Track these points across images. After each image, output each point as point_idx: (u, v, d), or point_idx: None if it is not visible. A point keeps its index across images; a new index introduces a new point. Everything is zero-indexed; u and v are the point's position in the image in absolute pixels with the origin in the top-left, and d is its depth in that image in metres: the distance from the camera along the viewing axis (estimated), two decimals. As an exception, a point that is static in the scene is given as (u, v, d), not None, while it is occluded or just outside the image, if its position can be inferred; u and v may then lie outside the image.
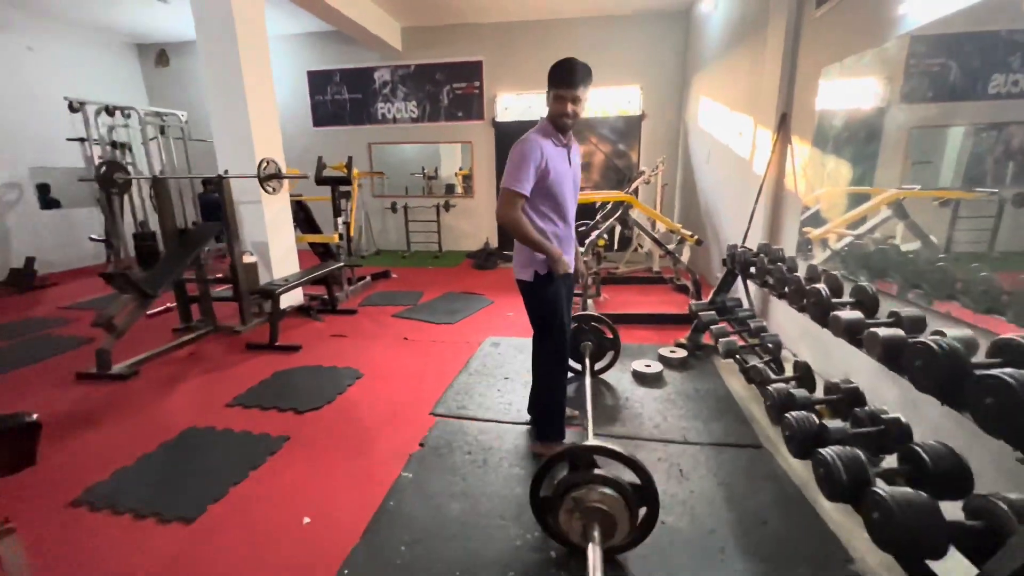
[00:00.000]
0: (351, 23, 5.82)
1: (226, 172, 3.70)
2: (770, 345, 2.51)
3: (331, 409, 2.69)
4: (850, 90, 2.67)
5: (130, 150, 6.21)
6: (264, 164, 3.65)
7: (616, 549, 1.60)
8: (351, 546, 1.69)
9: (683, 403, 2.68)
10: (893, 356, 1.49)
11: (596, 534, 1.45)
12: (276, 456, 2.25)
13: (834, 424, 1.57)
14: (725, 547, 1.66)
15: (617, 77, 6.73)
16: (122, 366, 3.17)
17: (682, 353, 3.25)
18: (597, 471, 1.53)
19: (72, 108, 5.38)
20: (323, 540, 1.73)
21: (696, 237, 4.08)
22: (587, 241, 4.13)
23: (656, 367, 3.04)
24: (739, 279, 3.09)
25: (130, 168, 6.03)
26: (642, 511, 1.56)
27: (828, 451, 1.44)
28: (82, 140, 5.73)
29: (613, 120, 7.01)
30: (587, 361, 2.84)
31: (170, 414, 2.63)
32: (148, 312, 4.45)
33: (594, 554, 1.37)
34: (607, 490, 1.49)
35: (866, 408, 1.66)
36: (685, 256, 4.23)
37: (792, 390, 1.83)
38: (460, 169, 7.61)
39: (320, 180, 4.86)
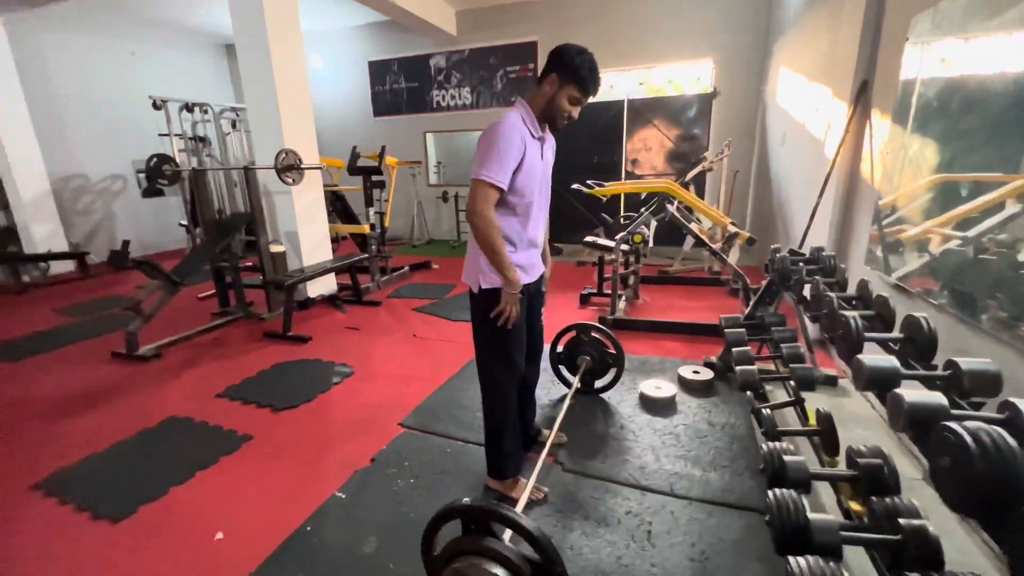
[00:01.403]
0: (405, 12, 5.76)
1: (252, 163, 3.77)
2: (801, 380, 1.96)
3: (306, 409, 2.62)
4: (956, 48, 1.96)
5: (209, 143, 6.74)
6: (282, 155, 3.67)
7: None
8: (245, 574, 1.55)
9: (688, 440, 2.22)
10: (920, 435, 1.00)
11: (470, 623, 1.15)
12: (229, 456, 2.20)
13: (824, 522, 1.10)
14: (666, 655, 1.27)
15: (685, 51, 5.99)
16: (148, 348, 3.38)
17: (707, 375, 2.74)
18: (489, 541, 1.22)
19: (155, 106, 5.92)
20: (223, 562, 1.61)
21: (748, 235, 3.43)
22: (618, 237, 3.66)
23: (669, 390, 2.57)
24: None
25: (208, 160, 6.58)
26: (546, 597, 1.22)
27: (804, 566, 1.00)
28: (167, 135, 6.31)
29: (679, 100, 6.27)
30: (576, 378, 2.47)
31: (163, 400, 2.72)
32: (200, 296, 4.78)
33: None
34: (493, 567, 1.18)
35: (890, 500, 1.15)
36: (734, 257, 3.59)
37: (787, 457, 1.34)
38: None
39: (353, 170, 4.86)
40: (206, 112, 6.53)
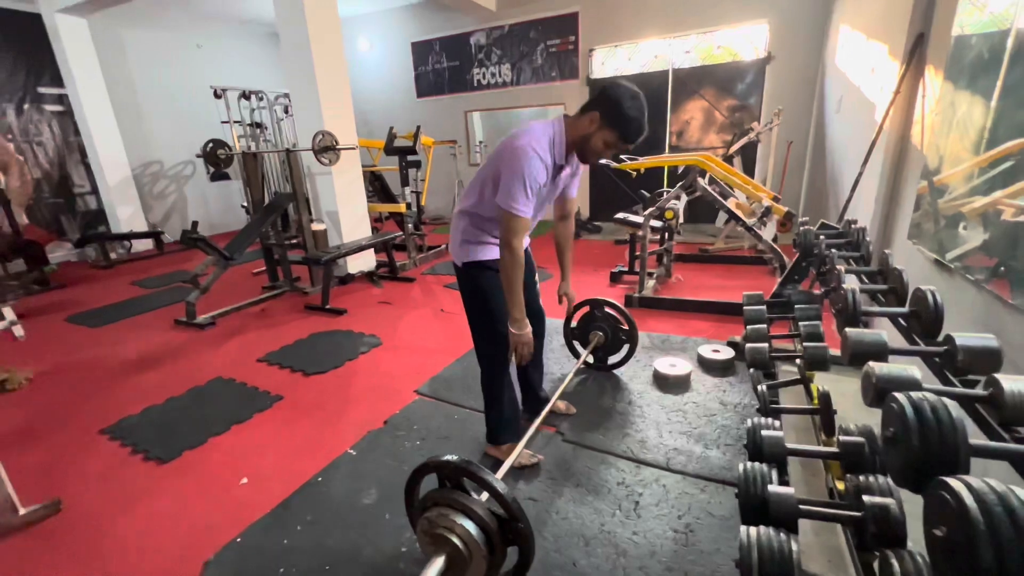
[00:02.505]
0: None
1: (294, 146, 3.99)
2: (812, 359, 1.86)
3: (334, 374, 2.81)
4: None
5: (265, 129, 7.17)
6: (319, 137, 3.86)
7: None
8: (260, 516, 1.73)
9: (695, 418, 2.18)
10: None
11: (437, 568, 1.23)
12: (262, 414, 2.42)
13: (782, 495, 1.06)
14: (632, 616, 1.30)
15: (737, 14, 5.59)
16: (205, 317, 3.73)
17: (727, 354, 2.65)
18: (457, 494, 1.29)
19: (216, 95, 6.35)
20: (244, 503, 1.80)
21: (785, 209, 3.22)
22: (646, 212, 3.56)
23: (684, 368, 2.52)
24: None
25: (265, 145, 7.00)
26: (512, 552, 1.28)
27: (753, 535, 0.99)
28: (227, 122, 6.77)
29: (728, 67, 5.89)
30: (587, 352, 2.47)
31: (211, 363, 3.02)
32: (254, 272, 5.18)
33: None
34: (460, 519, 1.25)
35: (863, 478, 1.10)
36: (769, 233, 3.39)
37: (765, 432, 1.30)
38: None
39: (390, 150, 5.01)
40: (261, 99, 6.92)
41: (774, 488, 1.09)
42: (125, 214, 6.47)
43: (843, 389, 1.97)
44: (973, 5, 1.93)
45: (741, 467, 1.21)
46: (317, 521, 1.69)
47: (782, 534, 0.98)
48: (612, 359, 2.65)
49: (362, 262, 4.83)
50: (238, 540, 1.63)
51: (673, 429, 2.10)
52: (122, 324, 3.85)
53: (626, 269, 4.33)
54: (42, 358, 3.24)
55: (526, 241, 1.84)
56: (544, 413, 1.96)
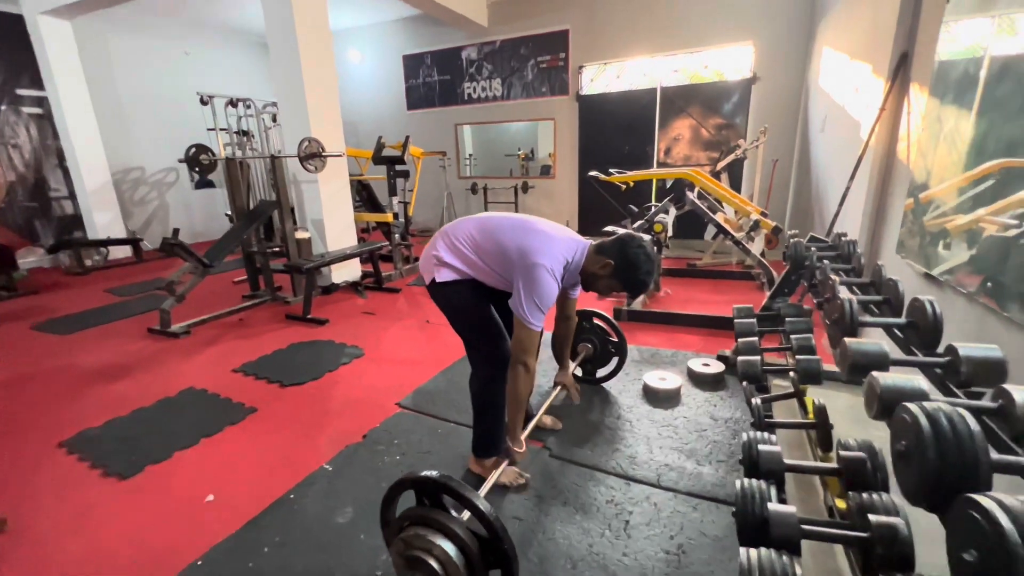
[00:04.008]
0: (437, 5, 5.81)
1: (279, 152, 3.92)
2: (805, 372, 1.82)
3: (312, 386, 2.70)
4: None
5: (252, 137, 7.08)
6: (305, 144, 3.80)
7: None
8: (224, 537, 1.61)
9: (687, 432, 2.11)
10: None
11: (412, 593, 1.13)
12: (235, 427, 2.30)
13: (783, 514, 1.00)
14: (622, 646, 1.21)
15: (723, 35, 5.71)
16: (180, 326, 3.59)
17: (718, 368, 2.60)
18: (436, 512, 1.20)
19: (203, 102, 6.26)
20: (208, 523, 1.68)
21: (773, 224, 3.23)
22: (634, 226, 3.54)
23: (674, 382, 2.47)
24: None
25: (251, 153, 6.90)
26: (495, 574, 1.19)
27: (755, 557, 0.93)
28: (213, 130, 6.67)
29: (715, 87, 5.99)
30: (574, 364, 2.41)
31: (184, 373, 2.88)
32: (235, 280, 5.04)
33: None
34: (438, 539, 1.16)
35: (867, 496, 1.04)
36: (757, 247, 3.39)
37: (762, 447, 1.24)
38: (551, 153, 7.27)
39: (377, 159, 4.96)
40: (249, 107, 6.85)
41: (775, 507, 1.02)
42: (103, 220, 6.29)
43: (836, 404, 1.93)
44: (949, 36, 1.96)
45: (738, 484, 1.14)
46: (286, 542, 1.58)
47: (784, 557, 0.92)
48: (601, 372, 2.58)
49: (347, 272, 4.73)
50: (198, 563, 1.51)
51: (664, 444, 2.04)
52: (91, 332, 3.68)
53: (615, 282, 4.29)
54: (2, 367, 3.07)
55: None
56: (530, 427, 1.89)
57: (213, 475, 1.95)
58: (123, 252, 6.44)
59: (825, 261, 1.79)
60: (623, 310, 3.57)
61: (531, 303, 1.55)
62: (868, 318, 1.35)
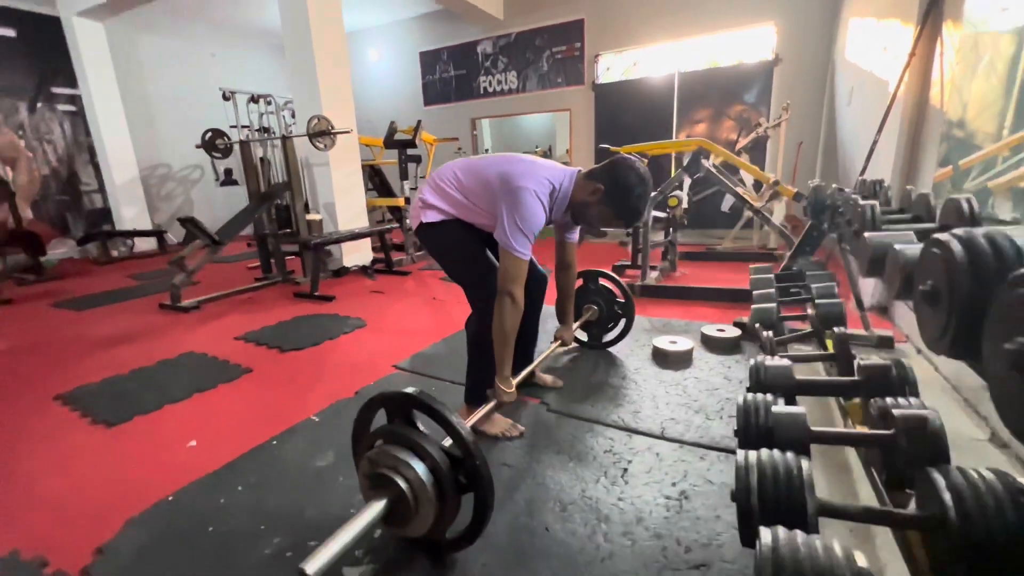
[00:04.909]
0: (454, -1, 5.86)
1: (289, 132, 3.95)
2: (826, 316, 1.65)
3: (311, 351, 2.64)
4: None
5: (272, 133, 7.23)
6: (314, 121, 3.81)
7: (448, 544, 1.14)
8: (199, 477, 1.54)
9: (696, 392, 1.96)
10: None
11: (374, 512, 1.03)
12: (227, 384, 2.25)
13: (791, 413, 0.85)
14: (610, 584, 1.08)
15: (743, 17, 5.55)
16: (190, 302, 3.61)
17: (733, 333, 2.43)
18: (405, 430, 1.10)
19: (225, 97, 6.43)
20: (187, 466, 1.62)
21: (794, 190, 3.04)
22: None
23: (685, 344, 2.31)
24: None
25: (272, 148, 7.05)
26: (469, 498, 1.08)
27: (753, 456, 0.79)
28: (235, 127, 6.83)
29: (735, 70, 5.81)
30: (577, 324, 2.27)
31: (187, 341, 2.87)
32: (249, 266, 5.09)
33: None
34: (405, 455, 1.06)
35: (892, 400, 0.89)
36: (779, 215, 3.20)
37: (770, 361, 1.09)
38: (567, 150, 7.19)
39: (389, 143, 4.96)
40: (269, 103, 7.00)
41: (779, 408, 0.88)
42: (130, 214, 6.48)
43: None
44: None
45: (740, 398, 1.01)
46: (262, 483, 1.50)
47: (789, 454, 0.78)
48: (607, 337, 2.45)
49: (358, 257, 4.71)
50: (169, 499, 1.44)
51: (671, 401, 1.89)
52: (107, 308, 3.74)
53: (628, 263, 4.15)
54: (17, 336, 3.13)
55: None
56: (524, 374, 1.77)
57: (199, 426, 1.90)
58: (148, 244, 6.61)
59: (854, 195, 1.63)
60: (636, 286, 3.42)
61: (514, 227, 1.45)
62: (894, 227, 1.19)
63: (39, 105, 5.97)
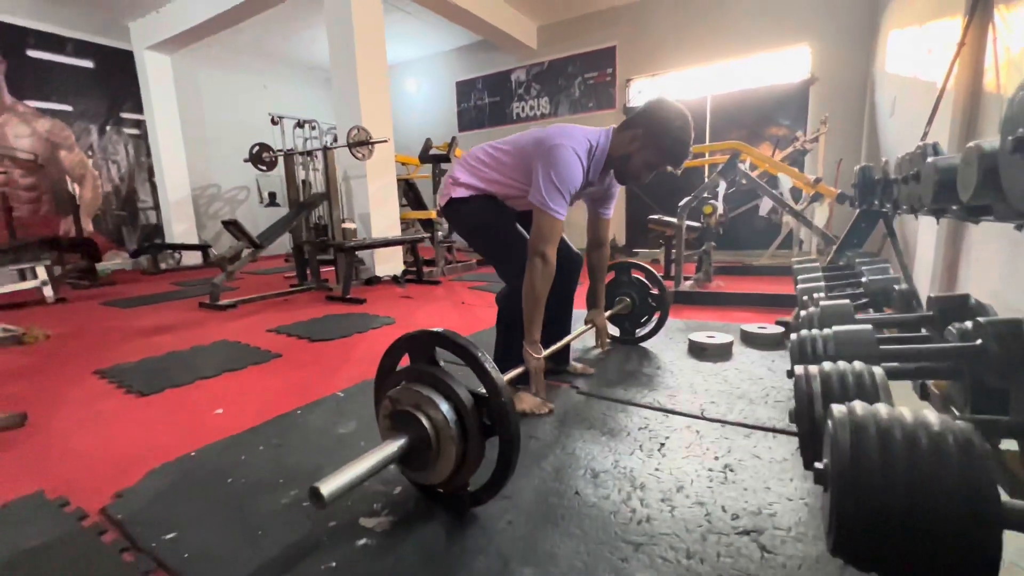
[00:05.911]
0: (492, 28, 6.15)
1: (332, 142, 4.12)
2: (876, 292, 1.53)
3: (340, 342, 2.65)
4: None
5: (316, 157, 7.59)
6: (354, 132, 3.97)
7: (471, 497, 1.07)
8: (222, 437, 1.52)
9: (739, 380, 1.83)
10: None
11: (393, 448, 0.97)
12: (257, 366, 2.27)
13: (859, 330, 0.77)
14: (628, 558, 0.97)
15: (776, 39, 5.57)
16: (228, 301, 3.72)
17: (776, 330, 2.30)
18: (429, 368, 1.06)
19: (273, 121, 6.82)
20: (213, 429, 1.60)
21: (837, 192, 2.93)
22: (681, 203, 3.35)
23: (724, 338, 2.19)
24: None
25: (314, 172, 7.39)
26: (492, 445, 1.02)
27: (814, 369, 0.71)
28: (282, 151, 7.21)
29: (768, 91, 5.78)
30: (608, 312, 2.19)
31: (221, 330, 2.94)
32: (286, 276, 5.24)
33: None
34: (428, 392, 1.01)
35: (978, 319, 0.79)
36: (820, 219, 3.07)
37: (825, 301, 1.00)
38: None
39: (424, 158, 5.11)
40: (314, 128, 7.40)
41: (842, 328, 0.80)
42: (180, 229, 6.85)
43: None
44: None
45: (793, 336, 0.92)
46: (284, 444, 1.47)
47: (857, 363, 0.69)
48: (640, 332, 2.35)
49: (389, 267, 4.79)
50: (192, 454, 1.42)
51: (711, 388, 1.77)
52: (150, 307, 3.89)
53: (662, 274, 4.04)
54: (65, 325, 3.28)
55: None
56: (555, 348, 1.70)
57: (228, 398, 1.90)
58: (194, 259, 6.93)
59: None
60: (670, 291, 3.31)
61: (550, 185, 1.42)
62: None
63: (108, 128, 6.48)
